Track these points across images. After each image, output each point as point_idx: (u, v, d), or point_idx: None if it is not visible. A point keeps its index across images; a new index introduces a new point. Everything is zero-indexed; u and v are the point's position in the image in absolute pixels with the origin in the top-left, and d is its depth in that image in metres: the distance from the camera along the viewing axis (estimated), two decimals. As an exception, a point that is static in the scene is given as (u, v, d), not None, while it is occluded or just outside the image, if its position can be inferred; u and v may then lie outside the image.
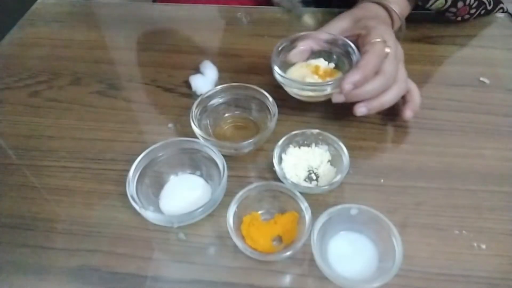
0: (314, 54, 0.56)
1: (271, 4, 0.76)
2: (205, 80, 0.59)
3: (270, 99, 0.51)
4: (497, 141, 0.53)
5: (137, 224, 0.45)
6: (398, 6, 0.58)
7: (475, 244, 0.43)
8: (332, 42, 0.55)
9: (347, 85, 0.47)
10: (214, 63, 0.61)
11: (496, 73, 0.61)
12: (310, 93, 0.52)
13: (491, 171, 0.49)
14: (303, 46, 0.56)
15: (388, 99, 0.49)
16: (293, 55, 0.56)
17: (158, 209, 0.46)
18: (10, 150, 0.54)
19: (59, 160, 0.52)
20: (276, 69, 0.52)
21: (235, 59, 0.56)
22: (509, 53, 0.65)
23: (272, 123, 0.49)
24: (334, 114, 0.56)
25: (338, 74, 0.54)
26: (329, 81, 0.51)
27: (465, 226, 0.45)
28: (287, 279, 0.42)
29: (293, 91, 0.53)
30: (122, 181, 0.46)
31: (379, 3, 0.58)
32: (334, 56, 0.55)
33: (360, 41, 0.51)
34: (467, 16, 0.67)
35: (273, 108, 0.51)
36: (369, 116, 0.54)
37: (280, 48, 0.55)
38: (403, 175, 0.49)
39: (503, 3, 0.69)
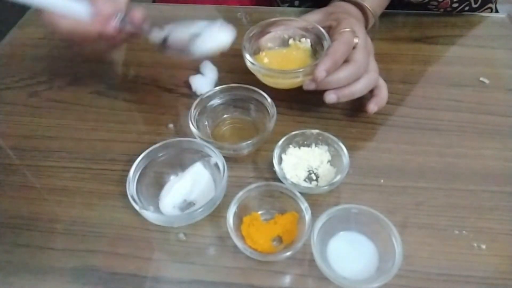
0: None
1: (271, 4, 0.76)
2: (205, 80, 0.59)
3: (269, 100, 0.51)
4: (497, 141, 0.53)
5: (137, 224, 0.45)
6: (371, 2, 0.59)
7: (475, 244, 0.43)
8: (304, 29, 0.55)
9: (321, 72, 0.47)
10: (214, 63, 0.61)
11: (496, 73, 0.61)
12: (282, 81, 0.52)
13: (491, 171, 0.49)
14: (275, 32, 0.56)
15: (359, 88, 0.50)
16: (265, 41, 0.56)
17: (158, 209, 0.46)
18: (10, 150, 0.54)
19: (59, 160, 0.52)
20: (247, 56, 0.52)
21: (235, 59, 0.56)
22: (509, 53, 0.65)
23: (270, 124, 0.49)
24: (334, 114, 0.56)
25: (311, 61, 0.54)
26: (301, 69, 0.51)
27: (465, 226, 0.45)
28: (287, 279, 0.42)
29: (264, 78, 0.53)
30: (122, 181, 0.46)
31: (351, 2, 0.58)
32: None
33: (330, 32, 0.52)
34: (449, 9, 0.68)
35: (272, 109, 0.50)
36: (369, 116, 0.54)
37: (251, 35, 0.55)
38: (403, 175, 0.49)
39: (492, 3, 0.69)
